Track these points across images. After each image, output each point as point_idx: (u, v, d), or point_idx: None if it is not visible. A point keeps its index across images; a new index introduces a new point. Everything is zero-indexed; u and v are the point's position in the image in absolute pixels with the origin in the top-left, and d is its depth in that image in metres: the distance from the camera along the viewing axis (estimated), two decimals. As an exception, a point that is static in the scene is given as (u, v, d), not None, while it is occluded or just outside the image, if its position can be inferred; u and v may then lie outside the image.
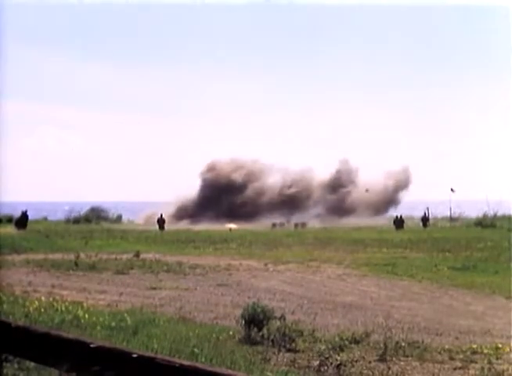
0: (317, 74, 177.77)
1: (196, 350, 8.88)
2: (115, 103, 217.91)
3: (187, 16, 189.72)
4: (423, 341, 10.73)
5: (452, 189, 58.91)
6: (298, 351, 9.95)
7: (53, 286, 17.17)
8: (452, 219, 55.20)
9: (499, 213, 52.21)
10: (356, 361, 9.20)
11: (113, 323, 11.01)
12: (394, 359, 9.61)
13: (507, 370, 9.10)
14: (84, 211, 58.72)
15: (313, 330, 11.15)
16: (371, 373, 8.86)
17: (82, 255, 23.77)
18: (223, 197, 63.24)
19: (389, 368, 9.07)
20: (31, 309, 12.02)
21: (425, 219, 51.31)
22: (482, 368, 9.11)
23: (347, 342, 10.36)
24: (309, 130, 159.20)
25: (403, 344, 10.36)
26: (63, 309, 12.38)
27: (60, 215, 58.47)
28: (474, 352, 10.12)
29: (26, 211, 46.59)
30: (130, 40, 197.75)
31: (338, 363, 8.87)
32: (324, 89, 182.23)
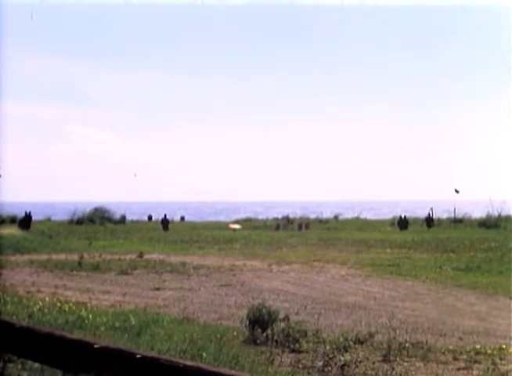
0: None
1: (202, 352, 8.88)
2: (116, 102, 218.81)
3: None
4: (426, 342, 10.73)
5: (456, 190, 58.84)
6: (302, 351, 9.95)
7: (57, 286, 17.18)
8: (456, 220, 55.05)
9: (503, 214, 52.10)
10: (360, 362, 9.19)
11: (117, 324, 11.01)
12: (398, 359, 9.61)
13: (511, 370, 9.08)
14: (87, 211, 58.60)
15: (317, 331, 11.15)
16: (375, 373, 8.85)
17: (86, 256, 23.80)
18: None
19: (393, 369, 9.06)
20: (35, 309, 12.04)
21: (429, 220, 51.21)
22: (486, 369, 9.10)
23: (351, 343, 10.34)
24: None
25: (407, 344, 10.36)
26: (67, 309, 12.39)
27: (64, 216, 58.33)
28: (478, 353, 10.11)
29: (29, 212, 46.66)
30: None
31: (342, 363, 8.88)
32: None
